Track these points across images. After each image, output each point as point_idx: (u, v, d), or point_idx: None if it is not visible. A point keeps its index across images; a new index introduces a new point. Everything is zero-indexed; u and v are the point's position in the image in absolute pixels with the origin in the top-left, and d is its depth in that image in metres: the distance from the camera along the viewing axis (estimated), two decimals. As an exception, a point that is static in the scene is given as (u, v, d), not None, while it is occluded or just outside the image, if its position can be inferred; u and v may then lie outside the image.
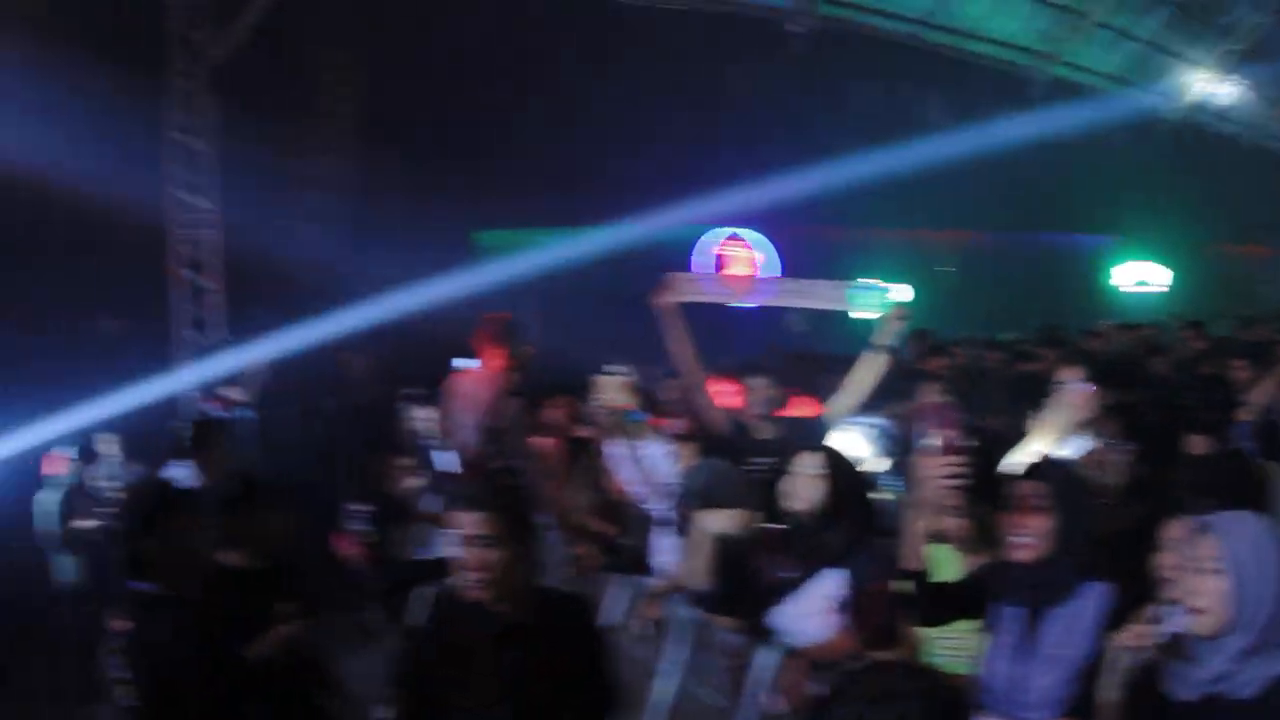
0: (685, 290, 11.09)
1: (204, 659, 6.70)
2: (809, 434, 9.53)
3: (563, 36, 18.98)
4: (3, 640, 13.11)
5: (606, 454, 11.07)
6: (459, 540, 5.67)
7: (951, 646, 6.98)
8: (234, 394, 13.99)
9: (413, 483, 10.76)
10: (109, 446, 13.67)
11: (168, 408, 15.54)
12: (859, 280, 12.64)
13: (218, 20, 17.82)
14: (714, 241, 21.27)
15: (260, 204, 17.54)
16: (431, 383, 11.81)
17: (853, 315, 12.26)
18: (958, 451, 6.67)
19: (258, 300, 17.26)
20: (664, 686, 9.08)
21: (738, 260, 22.15)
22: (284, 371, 14.72)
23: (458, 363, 11.63)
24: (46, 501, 13.34)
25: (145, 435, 14.03)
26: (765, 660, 8.08)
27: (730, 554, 8.51)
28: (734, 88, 20.98)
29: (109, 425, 14.06)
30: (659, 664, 9.18)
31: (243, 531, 7.77)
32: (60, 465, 13.54)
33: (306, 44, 20.06)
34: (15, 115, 16.36)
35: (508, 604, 5.67)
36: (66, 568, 13.31)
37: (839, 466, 8.00)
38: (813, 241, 22.48)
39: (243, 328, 16.71)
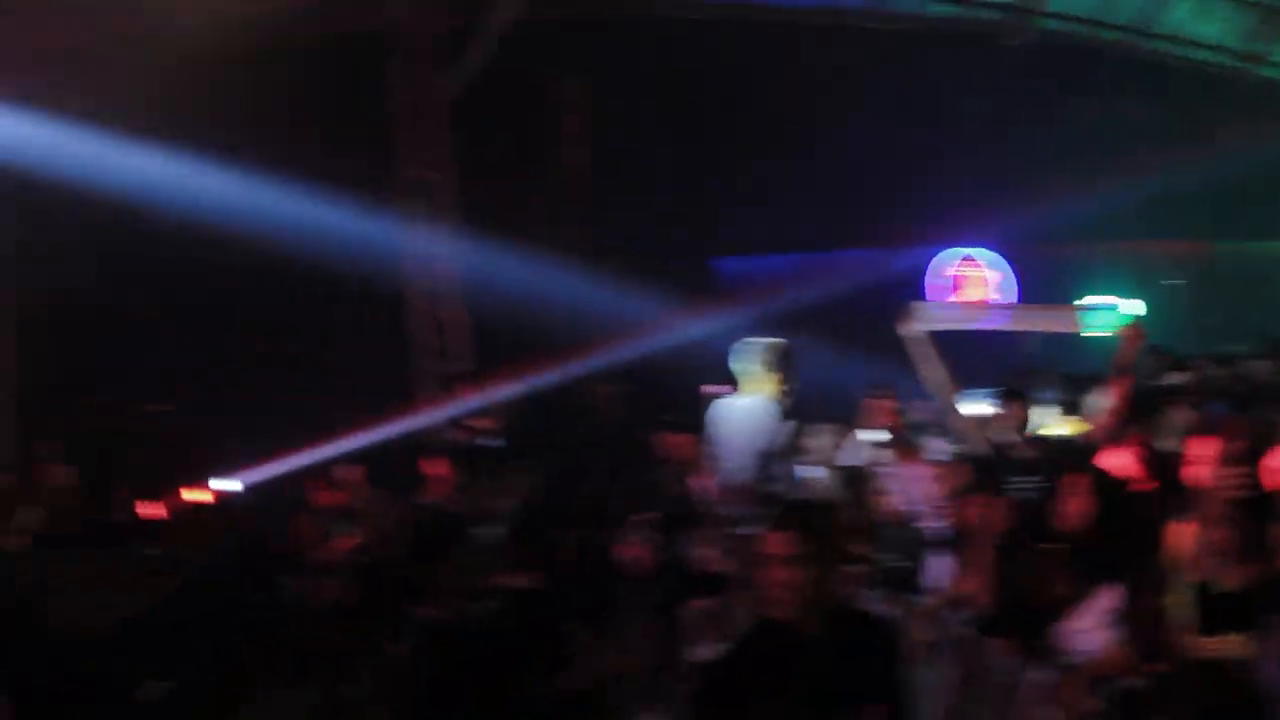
0: (926, 318, 11.22)
1: (480, 681, 6.85)
2: (1074, 453, 9.62)
3: (789, 58, 18.96)
4: (257, 659, 13.56)
5: (877, 475, 11.15)
6: (764, 559, 5.84)
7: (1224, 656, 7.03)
8: (483, 423, 14.25)
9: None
10: (356, 474, 14.07)
11: (412, 437, 15.86)
12: (1090, 300, 12.67)
13: (448, 56, 18.24)
14: (948, 263, 21.20)
15: (497, 236, 17.78)
16: (682, 410, 11.99)
17: (1085, 335, 12.21)
18: (1240, 464, 6.78)
19: (500, 331, 17.53)
20: (935, 705, 9.16)
21: (972, 281, 22.01)
22: (532, 400, 14.97)
23: (707, 389, 11.74)
24: (306, 524, 13.78)
25: (389, 465, 14.42)
26: (1039, 677, 8.14)
27: (1007, 573, 8.60)
28: (957, 105, 20.85)
29: (353, 454, 14.48)
30: (930, 682, 9.21)
31: (531, 555, 7.95)
32: (321, 491, 13.94)
33: (536, 77, 20.30)
34: (250, 154, 16.84)
35: (810, 621, 5.82)
36: (321, 590, 13.70)
37: (1108, 484, 8.12)
38: (1039, 258, 22.27)
39: (487, 358, 17.05)
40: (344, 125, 17.91)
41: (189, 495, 16.53)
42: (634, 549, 9.61)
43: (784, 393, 10.46)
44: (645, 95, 19.52)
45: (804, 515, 6.05)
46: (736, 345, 10.71)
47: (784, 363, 10.54)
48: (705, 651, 8.53)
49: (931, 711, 8.99)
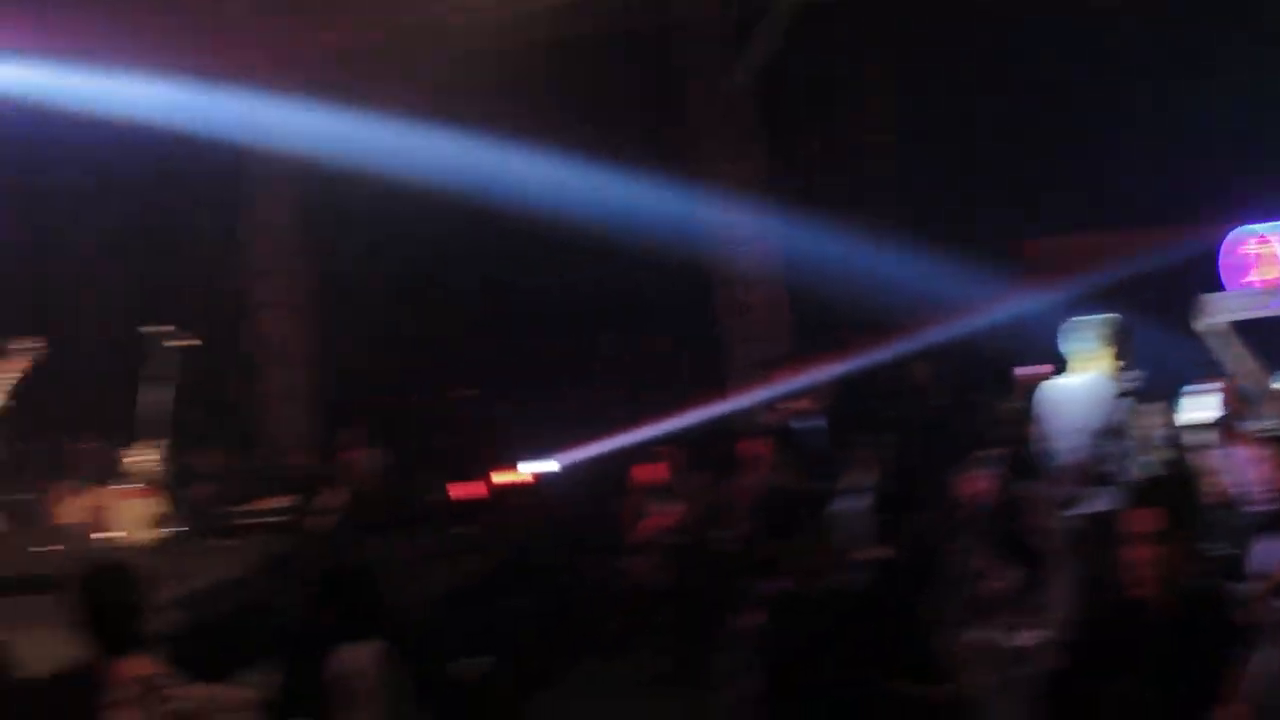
0: (1218, 310, 11.05)
1: (839, 652, 6.77)
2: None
3: (1089, 35, 18.61)
4: (572, 636, 13.74)
5: (1207, 458, 10.96)
6: (1127, 537, 5.76)
7: None
8: (799, 404, 14.25)
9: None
10: (673, 451, 14.22)
11: (726, 420, 15.92)
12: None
13: (743, 40, 18.27)
14: (1242, 241, 20.52)
15: (803, 218, 17.73)
16: (998, 389, 11.90)
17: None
18: None
19: (812, 313, 17.49)
20: (1255, 691, 8.94)
21: (1266, 259, 21.20)
22: (850, 381, 14.91)
23: (1024, 372, 11.64)
24: (626, 504, 13.98)
25: (704, 447, 14.49)
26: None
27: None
28: (1247, 78, 20.20)
29: (670, 435, 14.61)
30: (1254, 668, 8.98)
31: (890, 529, 7.95)
32: (640, 470, 14.10)
33: (839, 55, 20.20)
34: (551, 142, 17.01)
35: (1164, 599, 5.73)
36: (636, 567, 13.86)
37: None
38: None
39: (801, 339, 17.03)
40: (646, 111, 18.05)
41: (502, 477, 16.81)
42: (978, 483, 9.52)
43: (1120, 369, 10.30)
44: (952, 72, 19.26)
45: (1165, 492, 5.99)
46: (1067, 324, 10.61)
47: (1121, 338, 10.40)
48: (1029, 637, 8.45)
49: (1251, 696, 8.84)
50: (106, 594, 5.09)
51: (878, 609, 7.04)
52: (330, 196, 19.18)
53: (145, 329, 13.65)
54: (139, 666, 4.89)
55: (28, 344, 11.75)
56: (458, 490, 16.58)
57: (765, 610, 7.10)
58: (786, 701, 6.84)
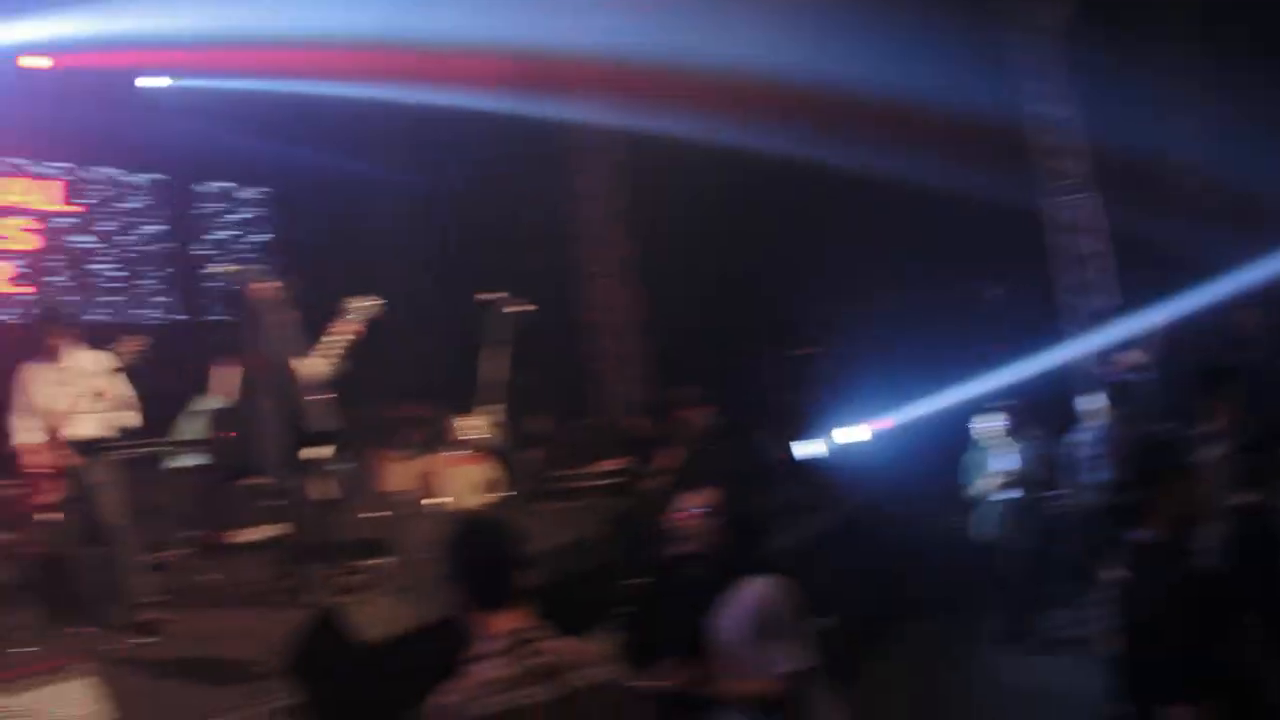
0: None
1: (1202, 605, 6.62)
2: None
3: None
4: (937, 589, 13.73)
5: None
6: None
7: None
8: (1132, 357, 14.04)
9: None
10: (995, 414, 14.10)
11: (1061, 373, 15.75)
12: None
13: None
14: None
15: (1130, 162, 17.43)
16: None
17: None
18: None
19: (1143, 262, 17.19)
20: None
21: None
22: (1180, 332, 14.66)
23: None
24: (972, 461, 13.86)
25: (1037, 400, 14.35)
26: None
27: None
28: None
29: (1004, 391, 14.48)
30: None
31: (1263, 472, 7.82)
32: (983, 428, 14.01)
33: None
34: (873, 104, 16.95)
35: None
36: (988, 521, 13.78)
37: None
38: None
39: (1133, 292, 16.74)
40: (964, 55, 17.82)
41: (842, 435, 16.87)
42: None
43: None
44: (1265, 12, 18.71)
45: None
46: None
47: None
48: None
49: None
50: (482, 549, 5.18)
51: (1244, 556, 6.92)
52: (653, 161, 19.34)
53: (482, 296, 13.82)
54: (510, 620, 4.98)
55: (363, 303, 11.86)
56: (798, 449, 16.72)
57: (1128, 562, 6.96)
58: (1145, 655, 6.71)
